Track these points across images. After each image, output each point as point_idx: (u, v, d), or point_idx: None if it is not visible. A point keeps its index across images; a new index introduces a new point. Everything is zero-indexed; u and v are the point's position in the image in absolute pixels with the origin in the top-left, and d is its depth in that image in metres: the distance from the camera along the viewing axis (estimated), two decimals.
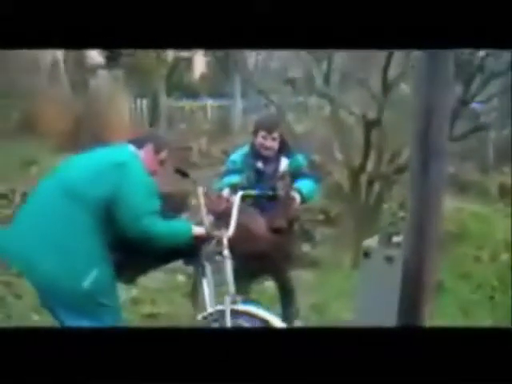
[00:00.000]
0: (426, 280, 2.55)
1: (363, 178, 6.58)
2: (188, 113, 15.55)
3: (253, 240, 3.58)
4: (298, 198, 3.81)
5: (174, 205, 7.75)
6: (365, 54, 6.61)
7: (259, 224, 3.67)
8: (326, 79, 6.83)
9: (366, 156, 6.39)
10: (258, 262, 3.61)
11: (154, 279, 5.13)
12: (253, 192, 3.66)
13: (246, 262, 3.50)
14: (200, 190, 3.25)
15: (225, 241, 3.11)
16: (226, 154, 11.17)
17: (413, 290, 2.52)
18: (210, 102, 16.43)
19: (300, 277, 4.82)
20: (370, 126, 6.25)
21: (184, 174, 3.32)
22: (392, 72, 6.22)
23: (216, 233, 3.16)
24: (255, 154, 4.02)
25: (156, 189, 3.35)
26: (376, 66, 6.43)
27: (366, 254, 2.62)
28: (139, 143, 3.45)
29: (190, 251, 3.31)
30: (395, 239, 2.62)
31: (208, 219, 3.22)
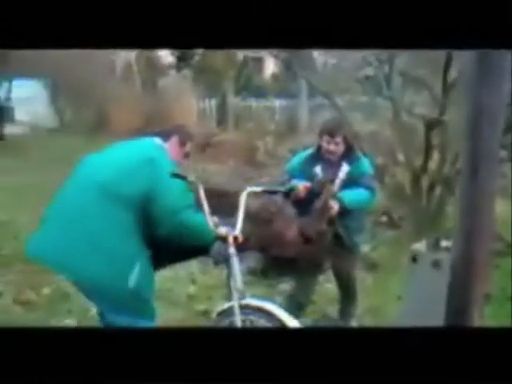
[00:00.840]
0: (475, 288, 2.50)
1: (425, 180, 6.49)
2: (255, 112, 15.64)
3: (282, 245, 3.61)
4: (336, 206, 3.78)
5: (238, 203, 7.86)
6: (426, 56, 6.49)
7: (292, 230, 3.72)
8: (388, 81, 6.77)
9: (427, 158, 6.30)
10: (286, 265, 3.62)
11: (211, 276, 5.24)
12: (259, 188, 3.63)
13: (275, 264, 3.55)
14: (201, 191, 3.19)
15: (230, 239, 3.08)
16: (292, 153, 11.22)
17: (460, 296, 2.48)
18: (277, 102, 16.49)
19: (358, 278, 4.78)
20: (431, 127, 6.15)
21: (182, 178, 3.21)
22: (453, 72, 6.10)
23: (222, 231, 3.13)
24: (318, 157, 4.02)
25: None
26: (437, 66, 6.32)
27: (414, 259, 2.58)
28: (165, 136, 3.47)
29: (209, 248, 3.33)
30: (444, 243, 2.57)
31: (212, 219, 3.19)
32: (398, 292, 4.98)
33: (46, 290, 4.87)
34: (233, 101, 15.44)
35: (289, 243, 3.66)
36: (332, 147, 3.91)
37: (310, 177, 3.95)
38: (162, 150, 3.34)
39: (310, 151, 4.10)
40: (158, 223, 3.11)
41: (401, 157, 6.94)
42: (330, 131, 3.94)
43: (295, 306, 3.98)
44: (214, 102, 15.72)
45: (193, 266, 5.80)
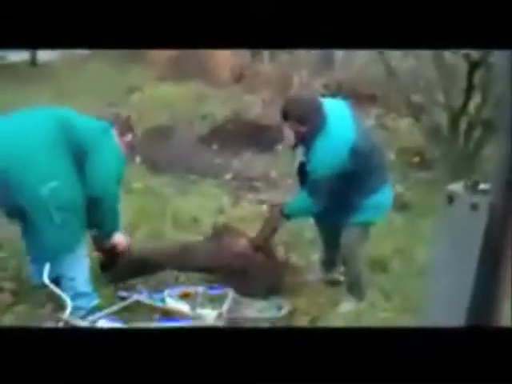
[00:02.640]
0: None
1: (463, 122, 6.32)
2: None
3: (231, 258, 3.93)
4: (278, 214, 3.94)
5: (271, 136, 7.84)
6: None
7: (241, 243, 4.05)
8: None
9: (467, 98, 6.11)
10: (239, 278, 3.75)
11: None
12: None
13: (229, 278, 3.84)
14: None
15: None
16: (328, 88, 11.04)
17: (497, 239, 2.42)
18: None
19: (388, 219, 4.73)
20: (474, 66, 5.93)
21: None
22: None
23: None
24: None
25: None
26: None
27: (450, 199, 2.50)
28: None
29: None
30: (482, 186, 2.49)
31: None
32: (428, 234, 4.95)
33: None
34: None
35: (238, 255, 3.99)
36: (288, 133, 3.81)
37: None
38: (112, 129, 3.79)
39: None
40: (94, 182, 3.56)
41: (440, 96, 6.74)
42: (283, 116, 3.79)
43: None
44: None
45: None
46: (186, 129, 8.04)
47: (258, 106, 8.99)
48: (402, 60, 8.20)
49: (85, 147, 3.55)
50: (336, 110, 3.78)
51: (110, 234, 3.81)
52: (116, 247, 3.87)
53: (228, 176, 6.68)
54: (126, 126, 3.90)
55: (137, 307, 3.68)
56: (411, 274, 4.31)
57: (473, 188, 2.65)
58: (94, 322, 3.33)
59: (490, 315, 2.27)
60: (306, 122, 3.63)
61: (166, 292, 3.77)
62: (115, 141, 3.72)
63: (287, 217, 3.95)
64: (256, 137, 7.62)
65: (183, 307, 3.63)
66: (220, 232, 4.22)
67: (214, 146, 7.54)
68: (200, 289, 3.73)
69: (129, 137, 3.88)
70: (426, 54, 6.81)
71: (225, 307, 3.66)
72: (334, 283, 4.33)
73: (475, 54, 5.97)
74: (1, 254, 4.20)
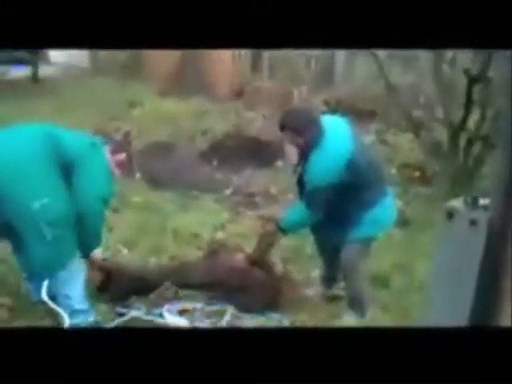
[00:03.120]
0: None
1: (463, 137, 6.34)
2: (290, 60, 15.40)
3: (228, 273, 3.98)
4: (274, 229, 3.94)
5: (271, 152, 7.85)
6: None
7: (238, 259, 4.09)
8: None
9: (467, 113, 6.13)
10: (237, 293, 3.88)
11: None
12: None
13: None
14: None
15: None
16: (328, 104, 11.08)
17: (496, 255, 2.42)
18: (314, 51, 16.18)
19: (388, 234, 4.73)
20: (473, 81, 5.96)
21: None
22: None
23: None
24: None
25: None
26: None
27: (450, 215, 2.50)
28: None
29: None
30: (482, 202, 2.49)
31: None
32: (428, 249, 4.94)
33: None
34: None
35: (235, 271, 4.03)
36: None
37: None
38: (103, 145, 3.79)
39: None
40: (82, 197, 3.53)
41: (439, 111, 6.76)
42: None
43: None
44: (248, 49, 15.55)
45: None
46: (187, 144, 8.06)
47: (258, 122, 9.02)
48: (401, 76, 8.25)
49: (72, 162, 3.52)
50: (334, 124, 3.80)
51: (87, 252, 3.73)
52: (94, 263, 3.84)
53: (228, 191, 6.69)
54: (120, 145, 3.93)
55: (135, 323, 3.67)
56: (412, 289, 4.30)
57: (472, 204, 2.66)
58: None
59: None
60: (302, 132, 3.64)
61: (165, 308, 3.76)
62: (104, 158, 3.68)
63: (283, 231, 3.94)
64: (256, 152, 7.64)
65: (182, 323, 3.62)
66: (216, 248, 4.24)
67: (214, 162, 7.55)
68: (199, 305, 3.72)
69: (122, 155, 3.84)
70: (426, 70, 6.84)
71: (224, 322, 3.65)
72: (334, 298, 4.31)
73: (474, 69, 6.00)
74: None
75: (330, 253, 4.15)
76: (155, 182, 6.62)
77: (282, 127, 3.76)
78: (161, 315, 3.70)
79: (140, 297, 4.02)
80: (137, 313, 3.72)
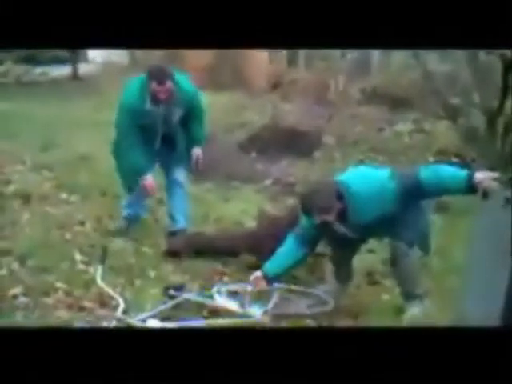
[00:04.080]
0: None
1: (500, 123, 6.34)
2: (326, 51, 15.42)
3: None
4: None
5: (308, 142, 7.95)
6: None
7: None
8: None
9: (503, 98, 6.13)
10: None
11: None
12: None
13: None
14: None
15: None
16: (365, 93, 11.08)
17: None
18: None
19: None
20: (508, 66, 5.96)
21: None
22: None
23: None
24: None
25: None
26: None
27: (485, 195, 2.61)
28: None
29: None
30: None
31: None
32: (466, 233, 4.98)
33: None
34: None
35: None
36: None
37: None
38: None
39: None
40: None
41: (476, 97, 6.77)
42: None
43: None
44: None
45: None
46: (225, 136, 8.21)
47: (295, 113, 9.12)
48: (437, 63, 8.24)
49: None
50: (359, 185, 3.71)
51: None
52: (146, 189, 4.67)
53: (268, 181, 6.82)
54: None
55: (186, 306, 3.83)
56: (451, 272, 4.37)
57: (507, 183, 2.75)
58: (144, 321, 3.47)
59: None
60: (329, 209, 3.62)
61: (215, 289, 3.90)
62: None
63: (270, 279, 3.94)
64: (294, 143, 7.75)
65: (232, 305, 3.75)
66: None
67: (253, 153, 7.69)
68: (249, 286, 3.86)
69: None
70: (461, 56, 6.84)
71: (271, 304, 3.78)
72: (375, 282, 4.42)
73: (510, 53, 5.99)
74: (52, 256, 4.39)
75: (345, 257, 4.17)
76: (196, 173, 6.77)
77: (307, 211, 3.72)
78: (211, 297, 3.84)
79: (191, 277, 4.22)
80: (188, 295, 3.87)
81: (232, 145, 7.93)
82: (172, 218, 4.99)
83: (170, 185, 5.02)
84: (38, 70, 15.64)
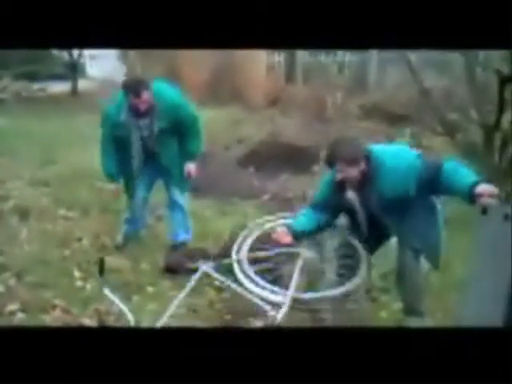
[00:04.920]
0: None
1: (498, 138, 6.37)
2: (324, 67, 15.53)
3: None
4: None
5: (306, 157, 7.93)
6: None
7: None
8: None
9: (500, 114, 6.16)
10: None
11: None
12: None
13: None
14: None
15: None
16: (363, 109, 11.14)
17: None
18: (346, 56, 16.30)
19: None
20: (505, 82, 6.00)
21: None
22: None
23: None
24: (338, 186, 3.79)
25: None
26: None
27: (484, 211, 2.61)
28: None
29: None
30: None
31: None
32: (465, 248, 4.96)
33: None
34: (302, 55, 15.39)
35: None
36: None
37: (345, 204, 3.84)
38: None
39: (331, 177, 3.80)
40: None
41: (473, 113, 6.81)
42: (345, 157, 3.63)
43: None
44: (283, 57, 15.71)
45: None
46: (223, 152, 8.23)
47: (293, 129, 9.15)
48: (434, 79, 8.30)
49: None
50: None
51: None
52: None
53: (266, 197, 6.83)
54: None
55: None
56: (450, 288, 4.36)
57: (506, 199, 2.75)
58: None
59: None
60: (355, 162, 3.59)
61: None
62: None
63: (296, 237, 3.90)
64: (292, 158, 7.78)
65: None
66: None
67: (251, 169, 7.71)
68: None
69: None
70: (459, 72, 6.88)
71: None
72: (373, 300, 4.41)
73: (506, 69, 6.04)
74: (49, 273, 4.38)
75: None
76: (195, 189, 6.79)
77: (332, 161, 3.68)
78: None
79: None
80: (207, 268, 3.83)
81: (230, 160, 7.95)
82: (173, 232, 5.01)
83: (170, 204, 5.02)
84: (37, 85, 15.71)
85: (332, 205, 3.85)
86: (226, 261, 3.86)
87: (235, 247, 3.91)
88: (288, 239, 3.84)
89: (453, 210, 5.97)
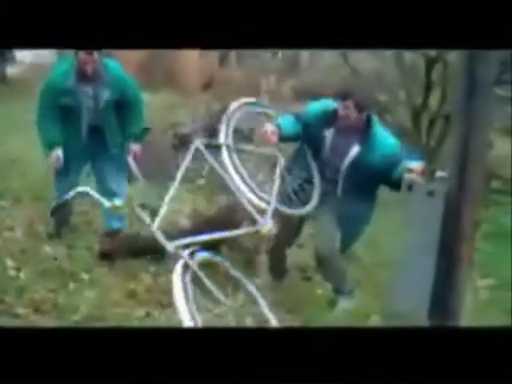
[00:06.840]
0: (468, 215, 2.61)
1: (425, 118, 6.57)
2: (256, 51, 15.51)
3: None
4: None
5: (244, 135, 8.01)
6: None
7: None
8: None
9: (427, 94, 6.36)
10: None
11: None
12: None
13: None
14: None
15: None
16: (296, 91, 11.17)
17: (453, 222, 2.61)
18: None
19: None
20: (431, 64, 6.19)
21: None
22: None
23: None
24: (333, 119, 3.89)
25: None
26: None
27: (409, 187, 2.71)
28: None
29: None
30: (439, 174, 2.69)
31: None
32: (396, 224, 5.11)
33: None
34: None
35: None
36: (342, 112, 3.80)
37: (319, 137, 3.91)
38: None
39: (329, 107, 3.95)
40: None
41: (402, 94, 6.99)
42: (340, 94, 3.85)
43: None
44: None
45: None
46: (160, 137, 8.16)
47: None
48: (365, 61, 8.44)
49: None
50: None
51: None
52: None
53: (201, 181, 6.83)
54: None
55: None
56: (381, 264, 4.51)
57: (430, 176, 2.85)
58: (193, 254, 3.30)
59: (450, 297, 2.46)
60: (361, 110, 3.77)
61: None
62: None
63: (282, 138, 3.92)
64: None
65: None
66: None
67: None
68: None
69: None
70: (388, 54, 7.04)
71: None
72: (308, 278, 4.52)
73: (433, 52, 6.23)
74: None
75: None
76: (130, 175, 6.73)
77: (346, 96, 3.78)
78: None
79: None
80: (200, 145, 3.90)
81: (165, 145, 7.89)
82: (107, 220, 4.85)
83: (105, 192, 4.45)
84: None
85: (313, 130, 3.92)
86: (216, 142, 3.83)
87: (223, 128, 3.83)
88: (275, 140, 3.85)
89: (382, 190, 6.16)
